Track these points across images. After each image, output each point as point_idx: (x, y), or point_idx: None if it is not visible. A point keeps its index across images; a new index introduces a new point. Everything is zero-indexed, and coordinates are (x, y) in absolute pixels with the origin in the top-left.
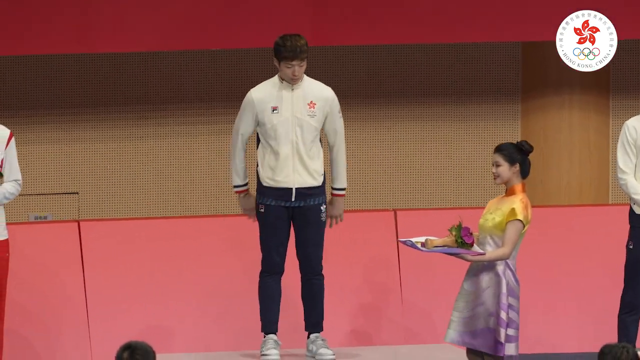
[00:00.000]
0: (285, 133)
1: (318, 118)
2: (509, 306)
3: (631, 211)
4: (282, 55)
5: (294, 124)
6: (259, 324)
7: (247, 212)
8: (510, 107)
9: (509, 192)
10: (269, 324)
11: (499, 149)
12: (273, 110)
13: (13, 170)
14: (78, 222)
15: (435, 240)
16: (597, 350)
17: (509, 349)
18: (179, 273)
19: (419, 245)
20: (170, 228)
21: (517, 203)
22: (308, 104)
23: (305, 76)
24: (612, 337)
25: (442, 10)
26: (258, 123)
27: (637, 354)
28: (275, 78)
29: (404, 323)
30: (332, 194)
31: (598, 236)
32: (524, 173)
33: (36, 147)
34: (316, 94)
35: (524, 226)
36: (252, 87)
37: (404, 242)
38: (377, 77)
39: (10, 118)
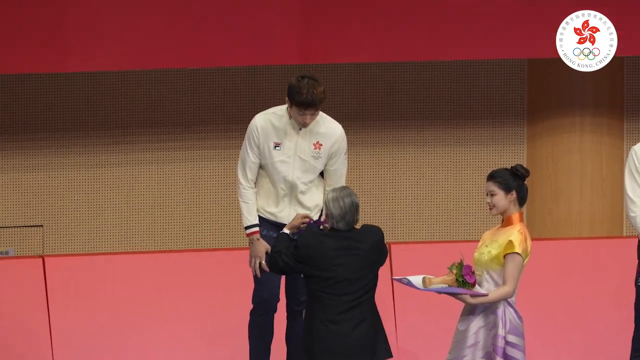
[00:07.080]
0: (285, 172)
1: (322, 160)
2: (511, 345)
3: None
4: (296, 101)
5: (295, 166)
6: None
7: (257, 258)
8: (514, 130)
9: (506, 222)
10: None
11: (492, 177)
12: (275, 147)
13: None
14: (42, 257)
15: (434, 279)
16: None
17: None
18: (153, 313)
19: (415, 284)
20: (142, 264)
21: (515, 234)
22: (314, 143)
23: None
24: None
25: (438, 25)
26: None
27: None
28: (284, 109)
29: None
30: None
31: (611, 272)
32: (522, 200)
33: None
34: (323, 133)
35: (523, 260)
36: (235, 109)
37: (399, 280)
38: (368, 98)
39: None
